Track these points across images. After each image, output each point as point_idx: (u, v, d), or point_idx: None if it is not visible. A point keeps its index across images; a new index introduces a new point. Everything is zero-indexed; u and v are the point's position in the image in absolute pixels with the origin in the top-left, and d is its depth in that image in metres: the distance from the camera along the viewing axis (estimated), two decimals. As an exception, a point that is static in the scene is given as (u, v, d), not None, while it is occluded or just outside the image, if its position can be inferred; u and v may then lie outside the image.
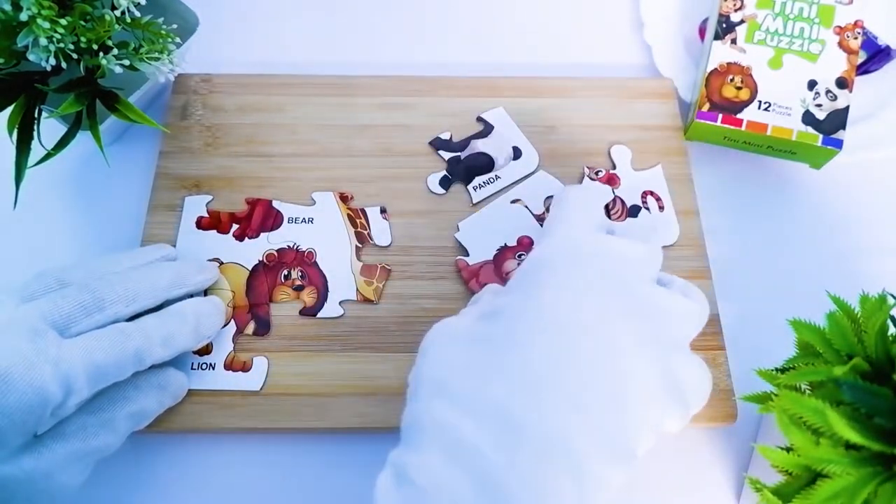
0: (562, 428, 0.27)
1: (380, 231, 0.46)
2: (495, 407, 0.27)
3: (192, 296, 0.41)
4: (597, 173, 0.48)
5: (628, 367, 0.29)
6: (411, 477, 0.27)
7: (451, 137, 0.49)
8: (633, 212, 0.47)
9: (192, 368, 0.41)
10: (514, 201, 0.47)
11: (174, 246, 0.44)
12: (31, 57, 0.38)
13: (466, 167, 0.48)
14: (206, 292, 0.43)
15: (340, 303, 0.43)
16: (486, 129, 0.50)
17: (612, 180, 0.48)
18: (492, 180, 0.48)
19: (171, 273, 0.40)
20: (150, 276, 0.39)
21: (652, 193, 0.47)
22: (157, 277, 0.39)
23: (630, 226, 0.46)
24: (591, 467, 0.27)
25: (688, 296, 0.33)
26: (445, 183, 0.48)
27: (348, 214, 0.46)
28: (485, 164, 0.49)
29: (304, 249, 0.45)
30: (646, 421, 0.28)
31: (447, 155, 0.49)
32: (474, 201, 0.47)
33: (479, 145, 0.49)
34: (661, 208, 0.47)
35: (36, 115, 0.40)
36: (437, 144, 0.49)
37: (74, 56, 0.38)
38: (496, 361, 0.29)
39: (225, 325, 0.42)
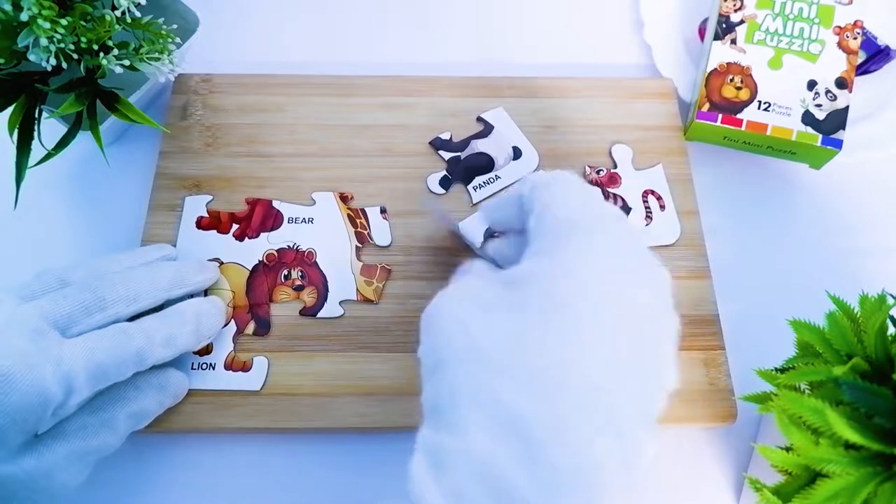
0: (603, 387, 0.26)
1: (380, 231, 0.46)
2: (534, 372, 0.26)
3: (192, 296, 0.41)
4: (598, 172, 0.48)
5: (652, 332, 0.28)
6: (452, 464, 0.25)
7: (451, 137, 0.50)
8: (625, 212, 0.47)
9: (192, 368, 0.41)
10: None
11: (174, 246, 0.44)
12: (31, 57, 0.38)
13: (466, 167, 0.48)
14: (206, 292, 0.43)
15: (340, 303, 0.43)
16: (486, 129, 0.50)
17: (613, 179, 0.48)
18: (492, 180, 0.48)
19: (172, 273, 0.40)
20: (150, 276, 0.39)
21: (653, 192, 0.47)
22: (158, 277, 0.39)
23: None
24: (631, 429, 0.26)
25: None
26: (445, 183, 0.48)
27: (348, 214, 0.46)
28: (485, 164, 0.49)
29: (304, 249, 0.45)
30: (666, 386, 0.28)
31: (447, 155, 0.49)
32: (474, 201, 0.47)
33: (479, 145, 0.49)
34: (662, 207, 0.47)
35: (36, 116, 0.40)
36: (437, 144, 0.49)
37: (75, 56, 0.38)
38: (534, 327, 0.27)
39: (225, 325, 0.42)
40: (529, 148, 0.49)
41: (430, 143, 0.49)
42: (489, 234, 0.46)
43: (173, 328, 0.37)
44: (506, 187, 0.48)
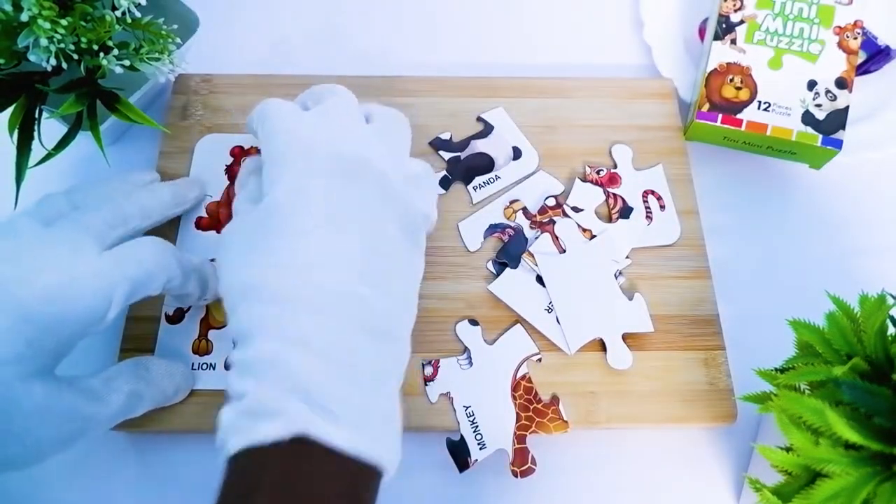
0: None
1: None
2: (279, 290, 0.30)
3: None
4: (598, 172, 0.48)
5: (379, 227, 0.33)
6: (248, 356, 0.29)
7: (451, 137, 0.50)
8: (626, 213, 0.47)
9: (192, 368, 0.41)
10: (513, 201, 0.47)
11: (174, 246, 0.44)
12: (31, 57, 0.38)
13: (466, 167, 0.48)
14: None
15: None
16: (487, 130, 0.50)
17: (613, 179, 0.48)
18: (492, 180, 0.48)
19: (173, 191, 0.43)
20: (155, 193, 0.42)
21: (653, 193, 0.48)
22: (161, 195, 0.42)
23: (623, 225, 0.46)
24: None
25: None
26: (445, 183, 0.48)
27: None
28: (485, 164, 0.49)
29: (304, 249, 0.45)
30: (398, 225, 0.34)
31: (447, 155, 0.49)
32: (474, 201, 0.47)
33: (479, 145, 0.49)
34: (662, 207, 0.47)
35: (36, 116, 0.40)
36: (437, 144, 0.49)
37: (75, 56, 0.38)
38: (267, 252, 0.31)
39: (224, 326, 0.42)
40: (529, 148, 0.49)
41: (430, 143, 0.49)
42: (488, 235, 0.46)
43: (195, 261, 0.39)
44: (506, 187, 0.48)
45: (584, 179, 0.48)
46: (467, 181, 0.48)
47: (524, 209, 0.47)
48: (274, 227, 0.31)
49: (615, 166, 0.49)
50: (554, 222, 0.46)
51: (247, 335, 0.30)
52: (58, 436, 0.32)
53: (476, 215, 0.47)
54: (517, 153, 0.49)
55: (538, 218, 0.46)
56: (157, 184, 0.44)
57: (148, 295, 0.36)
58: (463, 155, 0.49)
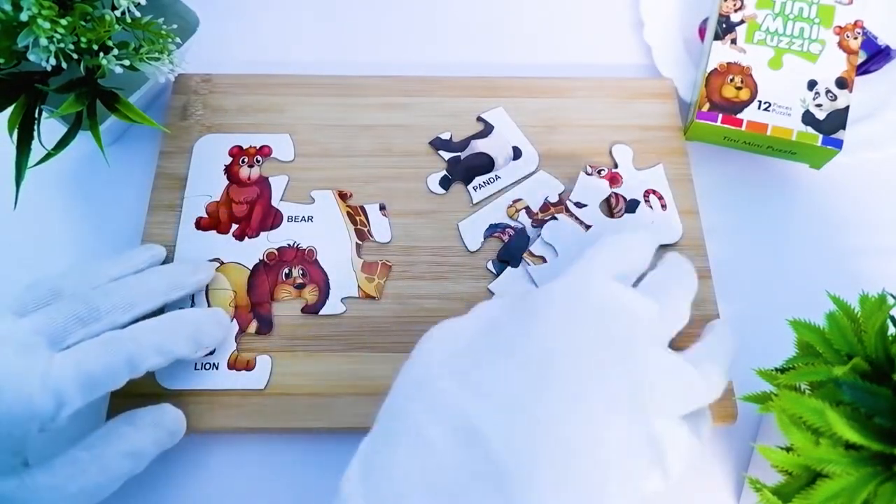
0: (524, 462, 0.27)
1: (379, 227, 0.46)
2: (461, 417, 0.27)
3: (193, 298, 0.41)
4: (599, 172, 0.48)
5: (602, 423, 0.28)
6: (377, 470, 0.28)
7: (451, 137, 0.50)
8: (632, 207, 0.47)
9: (195, 369, 0.41)
10: (516, 200, 0.47)
11: (174, 246, 0.44)
12: (31, 57, 0.38)
13: (466, 167, 0.48)
14: (207, 293, 0.43)
15: (342, 300, 0.43)
16: (487, 129, 0.50)
17: (614, 179, 0.48)
18: (492, 180, 0.48)
19: (167, 277, 0.40)
20: (145, 281, 0.39)
21: (654, 192, 0.47)
22: (153, 282, 0.39)
23: (629, 220, 0.46)
24: None
25: (700, 365, 0.31)
26: (445, 183, 0.48)
27: (348, 212, 0.46)
28: (485, 164, 0.49)
29: (304, 247, 0.45)
30: (617, 480, 0.28)
31: (447, 155, 0.49)
32: (474, 201, 0.47)
33: (479, 145, 0.49)
34: (664, 207, 0.47)
35: (36, 116, 0.40)
36: (437, 144, 0.49)
37: (74, 56, 0.38)
38: (476, 377, 0.29)
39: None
40: (529, 148, 0.49)
41: (430, 143, 0.49)
42: (488, 235, 0.46)
43: (166, 335, 0.37)
44: (506, 187, 0.48)
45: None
46: (467, 181, 0.48)
47: (527, 208, 0.47)
48: (514, 360, 0.29)
49: (616, 166, 0.49)
50: (556, 219, 0.46)
51: (389, 427, 0.29)
52: None
53: (476, 215, 0.47)
54: (517, 153, 0.49)
55: (540, 216, 0.46)
56: (153, 270, 0.41)
57: (116, 386, 0.35)
58: (463, 155, 0.49)
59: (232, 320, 0.43)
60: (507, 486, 0.26)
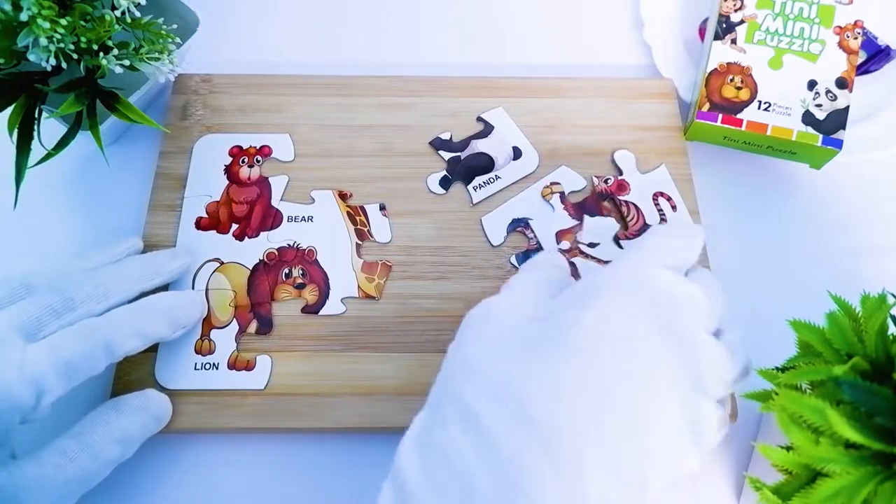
0: (575, 438, 0.27)
1: (379, 227, 0.46)
2: (518, 398, 0.28)
3: (169, 287, 0.42)
4: (606, 181, 0.48)
5: (655, 402, 0.29)
6: (436, 446, 0.28)
7: (451, 137, 0.50)
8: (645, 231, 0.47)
9: (195, 369, 0.41)
10: (552, 183, 0.48)
11: (174, 246, 0.44)
12: (31, 57, 0.38)
13: (466, 167, 0.48)
14: (207, 293, 0.43)
15: (342, 300, 0.43)
16: (487, 130, 0.50)
17: (622, 187, 0.48)
18: (492, 180, 0.48)
19: (142, 265, 0.40)
20: (119, 270, 0.39)
21: (662, 194, 0.47)
22: (128, 271, 0.39)
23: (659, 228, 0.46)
24: (598, 488, 0.27)
25: (735, 353, 0.32)
26: (445, 183, 0.48)
27: (348, 212, 0.46)
28: (485, 164, 0.49)
29: (304, 248, 0.45)
30: (664, 457, 0.28)
31: (447, 155, 0.49)
32: (474, 201, 0.47)
33: (479, 145, 0.49)
34: (674, 208, 0.47)
35: (36, 115, 0.40)
36: (437, 144, 0.49)
37: (74, 56, 0.38)
38: (533, 362, 0.29)
39: (227, 325, 0.42)
40: (529, 148, 0.49)
41: (430, 143, 0.49)
42: (512, 230, 0.46)
43: (142, 319, 0.37)
44: (506, 187, 0.48)
45: (594, 191, 0.48)
46: (467, 181, 0.48)
47: (562, 193, 0.47)
48: (570, 345, 0.30)
49: (621, 173, 0.48)
50: (574, 265, 0.45)
51: (445, 408, 0.29)
52: (56, 499, 0.33)
53: (500, 210, 0.47)
54: (517, 153, 0.49)
55: (571, 213, 0.47)
56: (128, 259, 0.41)
57: (96, 372, 0.35)
58: (463, 155, 0.49)
59: (232, 320, 0.43)
60: (561, 468, 0.27)
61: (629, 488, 0.28)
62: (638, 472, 0.28)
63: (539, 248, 0.46)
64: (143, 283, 0.39)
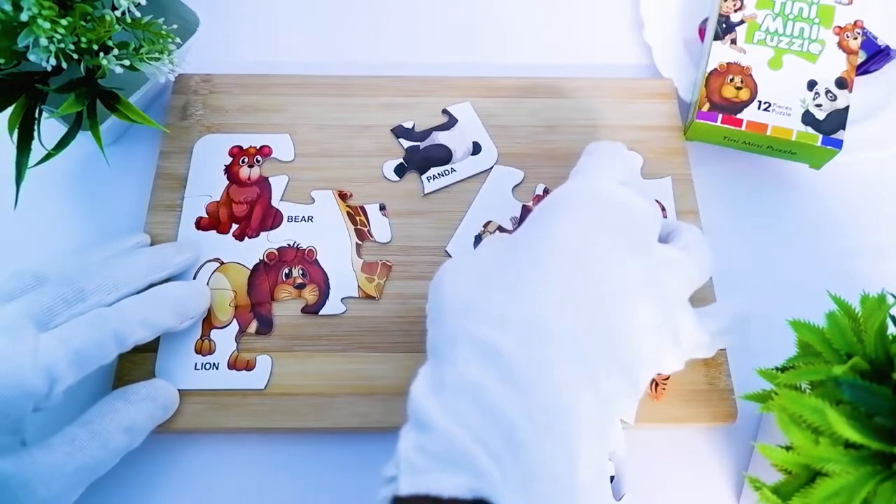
0: (580, 345, 0.29)
1: (380, 228, 0.46)
2: (523, 323, 0.29)
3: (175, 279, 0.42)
4: None
5: (634, 302, 0.30)
6: (448, 384, 0.28)
7: (413, 126, 0.50)
8: None
9: (195, 369, 0.41)
10: (486, 224, 0.46)
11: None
12: (31, 57, 0.38)
13: (424, 157, 0.49)
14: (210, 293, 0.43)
15: (342, 300, 0.43)
16: (450, 122, 0.50)
17: None
18: (446, 172, 0.48)
19: (149, 257, 0.41)
20: (128, 262, 0.39)
21: (657, 202, 0.47)
22: (136, 263, 0.40)
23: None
24: (606, 384, 0.29)
25: (689, 251, 0.34)
26: (400, 170, 0.48)
27: (348, 212, 0.46)
28: (443, 155, 0.49)
29: (304, 248, 0.45)
30: (648, 352, 0.30)
31: (406, 143, 0.49)
32: (426, 191, 0.47)
33: (440, 137, 0.49)
34: (664, 217, 0.47)
35: (36, 116, 0.40)
36: (399, 132, 0.49)
37: (75, 56, 0.38)
38: (521, 286, 0.30)
39: (227, 325, 0.42)
40: (490, 144, 0.49)
41: (392, 129, 0.49)
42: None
43: (150, 309, 0.38)
44: (459, 181, 0.48)
45: None
46: (422, 171, 0.48)
47: (499, 228, 0.46)
48: (551, 256, 0.31)
49: None
50: None
51: (450, 350, 0.29)
52: (54, 494, 0.33)
53: (457, 234, 0.46)
54: (477, 148, 0.49)
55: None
56: (136, 251, 0.42)
57: (106, 361, 0.36)
58: (422, 145, 0.49)
59: (232, 320, 0.43)
60: (587, 374, 0.28)
61: (629, 387, 0.30)
62: (633, 371, 0.30)
63: None
64: (152, 274, 0.40)
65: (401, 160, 0.48)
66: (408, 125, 0.50)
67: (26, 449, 0.33)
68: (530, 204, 0.47)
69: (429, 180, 0.48)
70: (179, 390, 0.40)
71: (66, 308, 0.35)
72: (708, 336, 0.33)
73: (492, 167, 0.48)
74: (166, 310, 0.39)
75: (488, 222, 0.46)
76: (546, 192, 0.47)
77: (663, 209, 0.47)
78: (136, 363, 0.41)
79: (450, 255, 0.45)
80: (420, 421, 0.28)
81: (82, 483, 0.35)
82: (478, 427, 0.26)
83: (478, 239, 0.46)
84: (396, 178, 0.48)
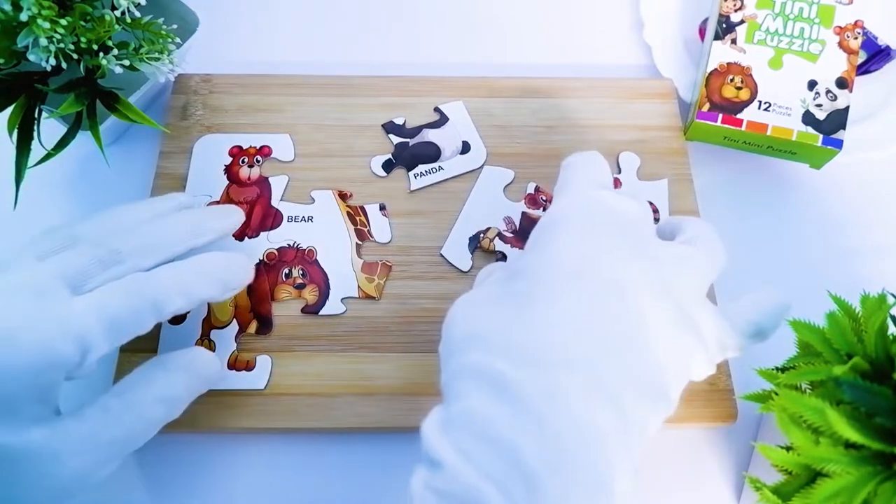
0: (593, 367, 0.27)
1: (379, 228, 0.46)
2: (530, 350, 0.28)
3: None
4: None
5: (645, 309, 0.29)
6: (456, 420, 0.27)
7: (404, 123, 0.50)
8: None
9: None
10: (485, 231, 0.46)
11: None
12: (31, 57, 0.38)
13: (412, 154, 0.49)
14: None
15: (342, 300, 0.43)
16: (441, 120, 0.50)
17: (613, 183, 0.48)
18: (434, 170, 0.48)
19: (190, 221, 0.38)
20: (167, 225, 0.37)
21: (650, 203, 0.47)
22: (175, 226, 0.37)
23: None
24: (628, 404, 0.27)
25: (696, 244, 0.33)
26: (388, 166, 0.48)
27: (348, 212, 0.46)
28: (431, 153, 0.49)
29: (304, 248, 0.45)
30: (672, 360, 0.29)
31: (396, 139, 0.49)
32: (412, 188, 0.47)
33: (430, 135, 0.49)
34: (657, 220, 0.46)
35: (36, 116, 0.40)
36: (389, 128, 0.49)
37: (74, 56, 0.38)
38: (525, 313, 0.29)
39: (227, 325, 0.42)
40: (479, 144, 0.49)
41: (382, 125, 0.49)
42: (474, 248, 0.45)
43: (189, 277, 0.35)
44: (446, 179, 0.48)
45: None
46: (410, 168, 0.48)
47: (499, 234, 0.46)
48: (556, 279, 0.30)
49: (619, 171, 0.48)
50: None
51: (458, 384, 0.28)
52: (87, 466, 0.32)
53: (451, 237, 0.46)
54: (466, 147, 0.49)
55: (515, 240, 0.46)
56: (177, 213, 0.38)
57: (143, 331, 0.34)
58: (412, 142, 0.49)
59: (232, 320, 0.43)
60: (607, 399, 0.27)
61: (655, 400, 0.28)
62: (656, 382, 0.28)
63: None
64: (192, 240, 0.37)
65: (389, 156, 0.48)
66: (399, 121, 0.50)
67: (59, 418, 0.31)
68: (527, 210, 0.47)
69: (416, 177, 0.48)
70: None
71: (101, 270, 0.33)
72: (738, 335, 0.31)
73: (481, 167, 0.48)
74: (209, 279, 0.36)
75: (488, 228, 0.46)
76: (538, 190, 0.47)
77: (656, 211, 0.47)
78: (135, 363, 0.41)
79: (445, 258, 0.45)
80: (430, 458, 0.27)
81: (116, 455, 0.33)
82: (487, 463, 0.25)
83: (473, 240, 0.46)
84: (384, 174, 0.48)
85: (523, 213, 0.47)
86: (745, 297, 0.33)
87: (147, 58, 0.41)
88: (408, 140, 0.49)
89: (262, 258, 0.44)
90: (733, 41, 0.49)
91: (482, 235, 0.46)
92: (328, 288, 0.44)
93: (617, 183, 0.48)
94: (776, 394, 0.33)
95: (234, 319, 0.43)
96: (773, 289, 0.33)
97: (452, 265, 0.45)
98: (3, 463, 0.29)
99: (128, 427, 0.33)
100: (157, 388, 0.34)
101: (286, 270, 0.44)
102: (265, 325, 0.43)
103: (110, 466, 0.33)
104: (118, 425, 0.33)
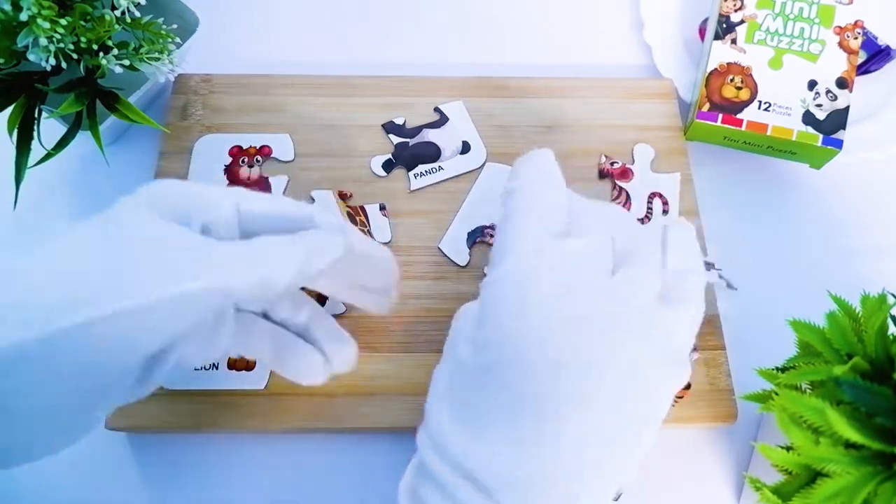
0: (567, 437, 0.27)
1: (380, 228, 0.46)
2: (484, 473, 0.27)
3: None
4: (613, 164, 0.48)
5: (618, 355, 0.27)
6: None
7: (404, 123, 0.50)
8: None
9: (195, 369, 0.41)
10: (487, 228, 0.46)
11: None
12: (31, 57, 0.38)
13: (413, 154, 0.49)
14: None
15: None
16: (441, 120, 0.50)
17: (625, 173, 0.48)
18: (434, 170, 0.48)
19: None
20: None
21: (660, 196, 0.47)
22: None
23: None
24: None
25: (685, 294, 0.30)
26: (388, 166, 0.48)
27: (348, 212, 0.46)
28: (431, 153, 0.49)
29: (304, 249, 0.45)
30: (653, 400, 0.28)
31: (396, 139, 0.49)
32: (412, 188, 0.47)
33: (430, 135, 0.50)
34: (665, 212, 0.47)
35: (36, 115, 0.40)
36: (389, 128, 0.49)
37: (74, 56, 0.38)
38: (482, 424, 0.28)
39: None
40: (479, 144, 0.49)
41: (382, 125, 0.49)
42: (472, 244, 0.45)
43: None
44: (446, 179, 0.48)
45: (599, 167, 0.48)
46: (410, 168, 0.48)
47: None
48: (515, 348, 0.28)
49: (633, 162, 0.49)
50: None
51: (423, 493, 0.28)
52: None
53: (450, 231, 0.46)
54: (466, 147, 0.49)
55: None
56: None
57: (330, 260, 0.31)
58: (412, 142, 0.49)
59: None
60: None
61: (629, 448, 0.28)
62: (634, 428, 0.28)
63: None
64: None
65: (389, 156, 0.48)
66: (399, 121, 0.50)
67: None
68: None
69: (416, 177, 0.48)
70: (179, 390, 0.40)
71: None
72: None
73: (481, 167, 0.48)
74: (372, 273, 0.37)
75: (491, 225, 0.46)
76: None
77: (666, 203, 0.47)
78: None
79: (443, 252, 0.45)
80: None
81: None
82: None
83: (472, 235, 0.46)
84: (384, 174, 0.48)
85: None
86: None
87: (147, 58, 0.41)
88: (408, 140, 0.49)
89: (262, 258, 0.44)
90: (733, 41, 0.49)
91: (489, 234, 0.46)
92: (328, 288, 0.44)
93: (627, 172, 0.48)
94: (776, 394, 0.33)
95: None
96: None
97: (449, 258, 0.45)
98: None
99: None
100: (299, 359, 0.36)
101: (286, 270, 0.44)
102: (265, 325, 0.43)
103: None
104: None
